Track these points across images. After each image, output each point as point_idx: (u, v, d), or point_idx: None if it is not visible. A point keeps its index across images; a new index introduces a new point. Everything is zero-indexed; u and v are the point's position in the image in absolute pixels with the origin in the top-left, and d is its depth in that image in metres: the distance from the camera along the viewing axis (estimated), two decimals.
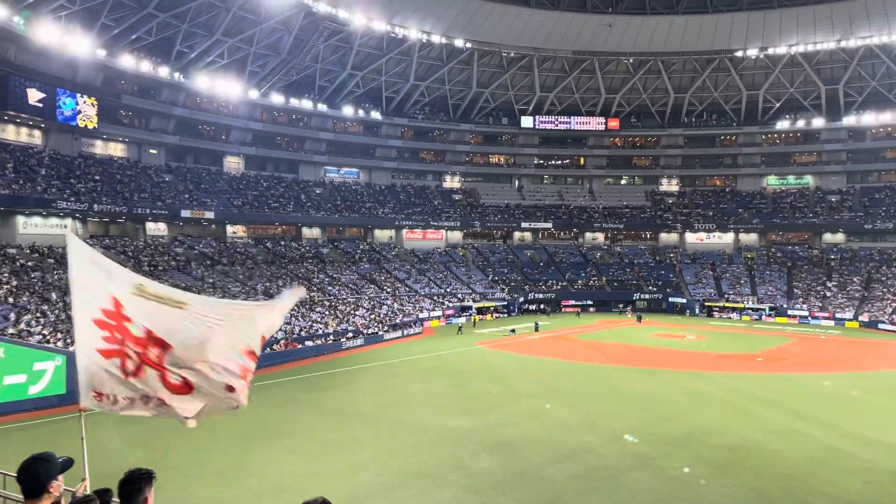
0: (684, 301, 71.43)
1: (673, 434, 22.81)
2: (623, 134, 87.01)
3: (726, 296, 70.43)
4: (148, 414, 5.20)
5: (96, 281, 5.08)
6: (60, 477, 3.84)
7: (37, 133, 52.07)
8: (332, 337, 46.85)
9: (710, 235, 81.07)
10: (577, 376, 34.85)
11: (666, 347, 46.03)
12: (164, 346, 4.93)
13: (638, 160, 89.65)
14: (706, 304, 70.14)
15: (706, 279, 74.83)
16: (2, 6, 41.87)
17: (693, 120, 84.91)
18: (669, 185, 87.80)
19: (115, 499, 4.47)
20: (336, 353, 43.86)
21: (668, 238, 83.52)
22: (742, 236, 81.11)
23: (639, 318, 63.00)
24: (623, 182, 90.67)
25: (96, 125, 53.55)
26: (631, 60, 77.16)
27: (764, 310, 66.29)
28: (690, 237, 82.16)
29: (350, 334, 48.60)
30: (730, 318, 66.99)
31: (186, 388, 4.90)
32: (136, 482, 3.92)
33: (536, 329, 55.02)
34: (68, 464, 4.07)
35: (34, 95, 48.11)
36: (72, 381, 28.75)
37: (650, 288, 74.36)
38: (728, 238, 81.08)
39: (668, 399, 28.85)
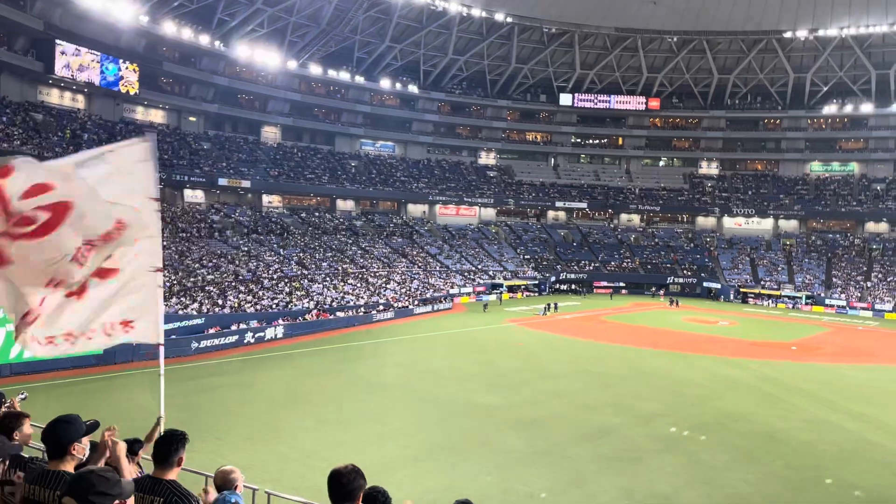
0: (719, 286, 70.39)
1: (702, 419, 22.65)
2: (663, 114, 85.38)
3: (762, 282, 69.21)
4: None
5: None
6: (85, 439, 3.93)
7: (80, 97, 52.96)
8: (362, 309, 47.28)
9: (748, 220, 79.50)
10: (607, 358, 34.71)
11: (698, 332, 45.53)
12: None
13: (677, 142, 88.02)
14: (741, 290, 69.02)
15: (742, 265, 73.58)
16: None
17: (737, 102, 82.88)
18: (709, 168, 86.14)
19: (146, 457, 4.61)
20: (366, 325, 44.29)
21: (705, 222, 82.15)
22: (782, 222, 79.38)
23: (672, 302, 62.31)
24: (661, 164, 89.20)
25: (138, 91, 54.24)
26: (675, 39, 75.45)
27: (801, 298, 65.01)
28: (728, 222, 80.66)
29: (381, 307, 48.97)
30: (765, 305, 65.89)
31: None
32: (173, 443, 4.07)
33: (550, 309, 53.35)
34: (93, 427, 4.18)
35: (77, 60, 48.83)
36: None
37: (685, 272, 73.39)
38: (767, 224, 79.45)
39: (697, 384, 28.62)
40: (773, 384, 29.13)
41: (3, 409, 7.30)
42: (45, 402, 20.27)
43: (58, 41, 47.08)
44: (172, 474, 4.01)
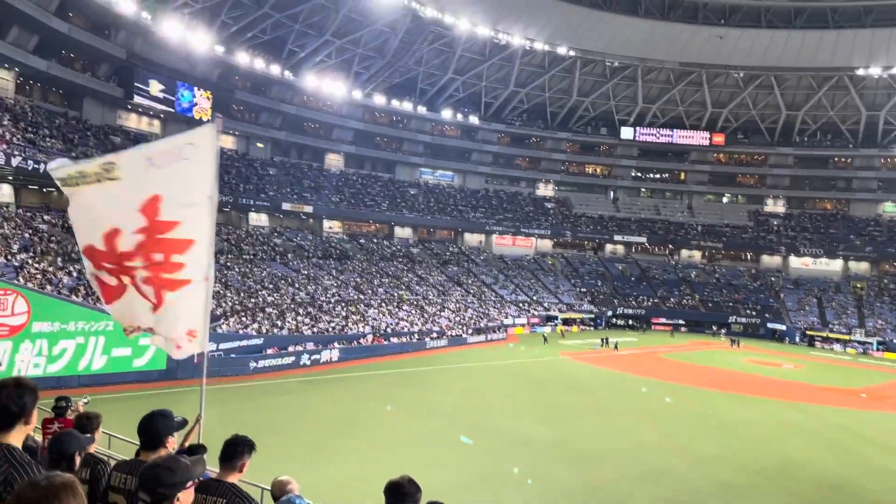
0: (784, 328, 67.98)
1: (763, 464, 21.85)
2: (728, 150, 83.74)
3: (830, 326, 66.53)
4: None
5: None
6: (176, 434, 4.15)
7: (156, 122, 55.40)
8: (416, 336, 47.50)
9: (816, 261, 76.77)
10: (663, 396, 33.88)
11: (761, 374, 43.99)
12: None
13: (742, 178, 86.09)
14: (807, 332, 66.48)
15: (809, 307, 70.96)
16: (133, 2, 44.85)
17: (805, 139, 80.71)
18: (775, 206, 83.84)
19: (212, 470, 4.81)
20: (419, 352, 44.44)
21: (770, 261, 79.74)
22: (852, 264, 76.34)
23: (733, 342, 60.47)
24: (725, 200, 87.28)
25: (210, 117, 56.41)
26: (741, 74, 74.26)
27: (871, 344, 62.15)
28: (795, 261, 78.09)
29: (434, 334, 49.11)
30: (832, 349, 63.20)
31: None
32: (240, 445, 4.22)
33: (604, 344, 53.02)
34: (183, 423, 4.40)
35: (156, 87, 51.18)
36: (172, 358, 30.46)
37: (748, 311, 71.23)
38: (836, 265, 76.54)
39: (759, 427, 27.63)
40: (840, 431, 27.90)
41: (70, 411, 7.73)
42: (108, 413, 20.93)
43: (138, 69, 49.54)
44: (234, 478, 4.14)
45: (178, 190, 5.35)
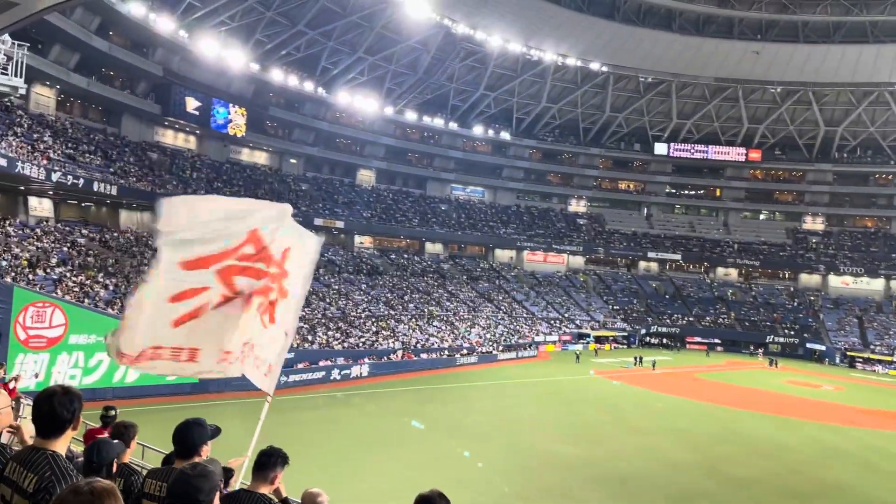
0: (823, 348, 66.20)
1: (801, 488, 21.14)
2: (765, 166, 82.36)
3: (872, 346, 64.59)
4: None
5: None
6: (210, 443, 4.08)
7: (191, 139, 56.37)
8: (446, 352, 47.26)
9: (857, 280, 74.82)
10: (699, 416, 33.11)
11: (799, 396, 42.79)
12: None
13: (780, 195, 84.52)
14: (848, 353, 64.62)
15: (850, 327, 69.07)
16: (170, 20, 45.86)
17: (845, 155, 79.05)
18: (814, 224, 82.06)
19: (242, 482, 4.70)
20: (449, 368, 44.19)
21: (808, 279, 77.94)
22: (894, 283, 74.28)
23: (771, 362, 59.05)
24: (762, 217, 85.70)
25: (244, 134, 57.24)
26: (779, 90, 73.12)
27: None
28: (834, 280, 76.20)
29: (464, 351, 48.81)
30: (874, 370, 61.31)
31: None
32: (273, 457, 4.17)
33: (637, 362, 52.23)
34: (217, 432, 4.34)
35: (192, 104, 52.15)
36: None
37: (785, 331, 69.59)
38: (878, 284, 74.51)
39: (797, 450, 26.79)
40: (882, 455, 26.90)
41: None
42: (142, 425, 21.08)
43: (175, 86, 50.50)
44: (266, 489, 4.08)
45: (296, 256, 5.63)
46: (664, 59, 68.54)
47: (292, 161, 66.08)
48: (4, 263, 29.36)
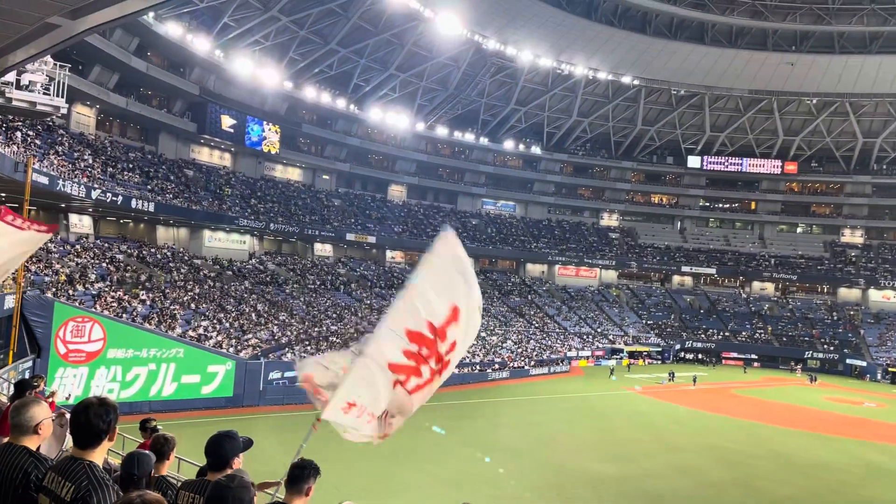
0: (864, 364, 64.46)
1: None
2: (801, 179, 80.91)
3: None
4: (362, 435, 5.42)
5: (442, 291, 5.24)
6: (242, 455, 4.14)
7: (226, 156, 57.34)
8: (478, 367, 47.09)
9: None
10: (736, 434, 32.43)
11: (840, 413, 41.70)
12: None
13: (817, 208, 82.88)
14: (890, 369, 62.84)
15: (892, 342, 67.15)
16: (206, 40, 46.89)
17: (884, 167, 77.32)
18: (853, 237, 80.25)
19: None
20: (481, 384, 44.00)
21: (848, 294, 76.12)
22: None
23: (811, 378, 57.67)
24: (799, 230, 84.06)
25: (278, 150, 58.07)
26: (814, 101, 71.97)
27: None
28: (875, 294, 74.29)
29: (496, 366, 48.59)
30: None
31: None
32: (307, 469, 4.23)
33: (671, 378, 51.54)
34: (249, 444, 4.41)
35: (227, 122, 53.11)
36: (239, 385, 31.02)
37: (825, 346, 67.94)
38: None
39: (839, 469, 26.07)
40: None
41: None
42: (178, 437, 21.33)
43: (210, 104, 51.49)
44: (300, 501, 4.14)
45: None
46: (697, 72, 68.00)
47: (325, 177, 66.79)
48: (47, 279, 30.10)
